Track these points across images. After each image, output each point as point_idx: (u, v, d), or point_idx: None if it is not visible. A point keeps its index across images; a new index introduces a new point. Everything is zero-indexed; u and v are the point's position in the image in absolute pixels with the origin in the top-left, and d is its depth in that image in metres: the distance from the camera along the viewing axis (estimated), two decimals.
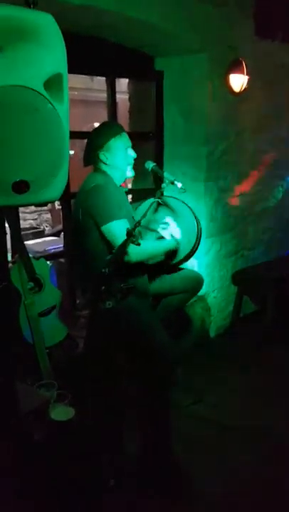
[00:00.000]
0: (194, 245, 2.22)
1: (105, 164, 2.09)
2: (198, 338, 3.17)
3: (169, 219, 2.22)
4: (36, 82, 1.20)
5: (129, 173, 2.16)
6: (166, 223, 2.21)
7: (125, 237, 1.70)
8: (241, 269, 3.51)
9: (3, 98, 1.13)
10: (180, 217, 2.25)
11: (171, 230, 2.19)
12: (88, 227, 2.02)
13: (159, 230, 2.23)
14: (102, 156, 2.08)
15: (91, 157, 2.11)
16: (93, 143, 2.11)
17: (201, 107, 2.96)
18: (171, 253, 2.19)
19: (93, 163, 2.12)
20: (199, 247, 3.01)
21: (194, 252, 2.24)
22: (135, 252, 1.85)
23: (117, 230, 1.92)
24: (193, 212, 2.24)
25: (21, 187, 1.24)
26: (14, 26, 1.18)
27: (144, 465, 2.06)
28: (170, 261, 2.24)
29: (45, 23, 1.22)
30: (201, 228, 2.24)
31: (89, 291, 2.20)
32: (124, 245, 1.73)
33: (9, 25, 1.17)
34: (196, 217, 2.23)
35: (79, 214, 2.07)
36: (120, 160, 2.09)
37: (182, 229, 2.22)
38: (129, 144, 2.14)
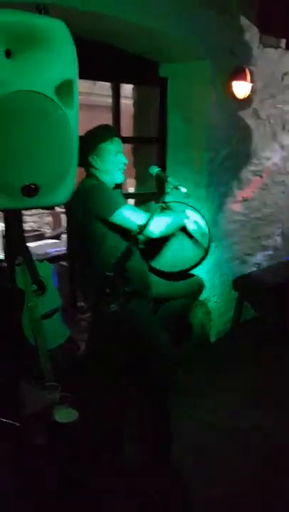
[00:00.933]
0: (207, 248, 2.24)
1: (95, 169, 2.12)
2: (198, 343, 3.17)
3: (188, 211, 2.24)
4: (48, 88, 1.22)
5: (119, 178, 2.16)
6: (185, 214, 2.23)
7: (137, 214, 1.72)
8: (242, 274, 3.52)
9: (16, 103, 1.15)
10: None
11: (194, 218, 2.22)
12: (89, 229, 2.04)
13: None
14: (92, 160, 2.10)
15: (82, 161, 2.14)
16: (84, 146, 2.14)
17: (203, 113, 2.98)
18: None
19: (84, 167, 2.14)
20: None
21: (206, 255, 2.25)
22: (156, 225, 1.91)
23: (127, 214, 1.96)
24: (203, 216, 2.26)
25: (30, 190, 1.26)
26: (26, 32, 1.20)
27: (143, 465, 2.06)
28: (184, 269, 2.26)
29: (57, 30, 1.24)
30: (211, 236, 2.26)
31: (91, 293, 2.22)
32: (128, 249, 1.75)
33: (21, 30, 1.19)
34: (206, 221, 2.26)
35: (78, 216, 2.09)
36: (110, 164, 2.11)
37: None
38: (120, 148, 2.15)
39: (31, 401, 1.61)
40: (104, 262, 1.93)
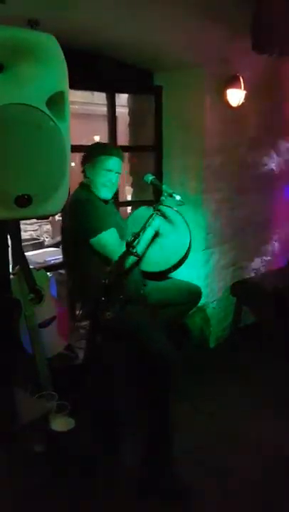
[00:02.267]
0: (182, 258, 2.26)
1: (88, 178, 2.17)
2: (197, 348, 3.18)
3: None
4: (39, 100, 1.24)
5: (104, 194, 2.18)
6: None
7: (115, 246, 1.74)
8: (240, 280, 3.54)
9: (8, 116, 1.18)
10: (176, 227, 2.30)
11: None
12: (78, 241, 2.08)
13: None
14: (86, 168, 2.18)
15: (82, 165, 2.21)
16: (85, 154, 2.21)
17: (198, 120, 3.01)
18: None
19: (82, 171, 2.22)
20: (198, 258, 3.05)
21: (182, 263, 2.27)
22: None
23: (105, 240, 1.99)
24: (187, 225, 2.29)
25: (24, 201, 1.28)
26: (17, 47, 1.23)
27: (143, 470, 2.06)
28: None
29: (47, 44, 1.27)
30: (191, 241, 2.28)
31: (87, 302, 2.23)
32: (124, 256, 1.76)
33: (12, 45, 1.22)
34: (189, 231, 2.29)
35: (71, 225, 2.13)
36: (99, 178, 2.15)
37: (174, 239, 2.27)
38: (117, 169, 2.18)
39: (28, 410, 1.61)
40: (99, 269, 1.95)
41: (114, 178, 2.16)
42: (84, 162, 2.20)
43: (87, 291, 2.15)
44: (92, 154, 2.18)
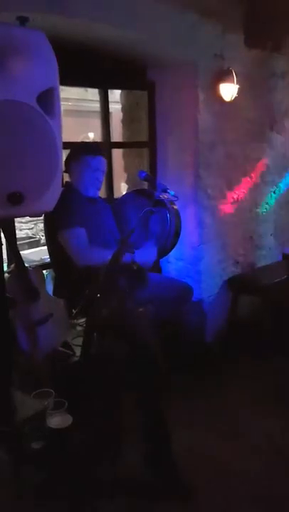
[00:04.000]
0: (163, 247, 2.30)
1: (72, 174, 2.20)
2: (193, 344, 3.18)
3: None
4: (29, 97, 1.24)
5: (92, 192, 2.22)
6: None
7: (77, 247, 1.75)
8: (236, 274, 3.54)
9: None
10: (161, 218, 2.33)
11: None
12: (52, 234, 2.09)
13: None
14: (71, 167, 2.20)
15: (65, 165, 2.22)
16: (70, 153, 2.24)
17: (192, 115, 3.01)
18: None
19: (67, 172, 2.24)
20: (194, 253, 3.05)
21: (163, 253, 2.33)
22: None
23: (66, 238, 2.00)
24: (170, 221, 2.30)
25: (16, 198, 1.28)
26: (7, 44, 1.22)
27: (142, 467, 2.06)
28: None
29: (37, 40, 1.27)
30: (171, 231, 2.30)
31: (82, 299, 2.24)
32: (118, 254, 1.76)
33: (1, 42, 1.21)
34: (171, 222, 2.30)
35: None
36: (86, 177, 2.19)
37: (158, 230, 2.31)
38: (102, 167, 2.23)
39: (24, 407, 1.62)
40: (71, 266, 1.96)
41: (101, 177, 2.21)
42: (68, 161, 2.22)
43: (81, 287, 2.15)
44: (77, 154, 2.21)
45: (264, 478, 2.09)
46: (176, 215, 2.33)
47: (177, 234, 2.32)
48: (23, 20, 1.31)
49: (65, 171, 2.24)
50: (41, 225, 6.99)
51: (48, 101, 1.29)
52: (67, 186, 2.21)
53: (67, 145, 2.91)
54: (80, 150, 2.21)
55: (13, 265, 2.23)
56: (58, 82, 1.31)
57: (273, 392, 2.79)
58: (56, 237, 2.06)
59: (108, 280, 1.79)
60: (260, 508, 1.94)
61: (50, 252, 2.23)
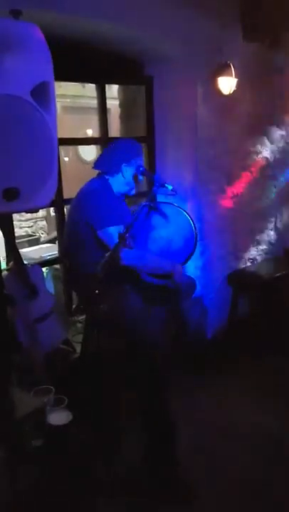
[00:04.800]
0: (192, 252, 2.31)
1: (116, 174, 2.17)
2: (195, 340, 3.17)
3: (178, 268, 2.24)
4: (23, 91, 1.22)
5: (132, 192, 2.26)
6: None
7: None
8: (236, 270, 3.53)
9: None
10: (173, 223, 2.30)
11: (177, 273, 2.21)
12: (79, 228, 2.07)
13: None
14: (123, 168, 2.15)
15: (112, 166, 2.16)
16: (120, 154, 2.17)
17: (190, 110, 2.98)
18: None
19: (107, 171, 2.18)
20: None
21: (190, 257, 2.33)
22: (126, 257, 1.90)
23: (113, 235, 1.97)
24: (191, 219, 2.29)
25: (11, 194, 1.26)
26: (0, 38, 1.20)
27: (142, 466, 2.06)
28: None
29: (30, 33, 1.25)
30: (197, 234, 2.32)
31: (82, 294, 2.23)
32: (116, 249, 1.75)
33: None
34: (194, 224, 2.31)
35: (75, 217, 2.11)
36: (132, 177, 2.19)
37: (177, 234, 2.30)
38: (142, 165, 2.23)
39: (24, 404, 1.61)
40: (94, 261, 1.94)
41: (141, 177, 2.23)
42: (120, 162, 2.15)
43: (82, 283, 2.14)
44: (129, 156, 2.17)
45: (264, 477, 2.08)
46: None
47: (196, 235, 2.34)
48: (16, 14, 1.29)
49: (101, 169, 2.20)
50: (41, 223, 6.98)
51: (42, 95, 1.27)
52: (104, 183, 2.17)
53: (65, 141, 2.92)
54: (131, 154, 2.17)
55: (11, 263, 2.22)
56: (52, 75, 1.29)
57: (273, 387, 2.78)
58: (97, 233, 2.03)
59: (107, 277, 1.77)
60: (259, 508, 1.94)
61: (76, 246, 2.17)
